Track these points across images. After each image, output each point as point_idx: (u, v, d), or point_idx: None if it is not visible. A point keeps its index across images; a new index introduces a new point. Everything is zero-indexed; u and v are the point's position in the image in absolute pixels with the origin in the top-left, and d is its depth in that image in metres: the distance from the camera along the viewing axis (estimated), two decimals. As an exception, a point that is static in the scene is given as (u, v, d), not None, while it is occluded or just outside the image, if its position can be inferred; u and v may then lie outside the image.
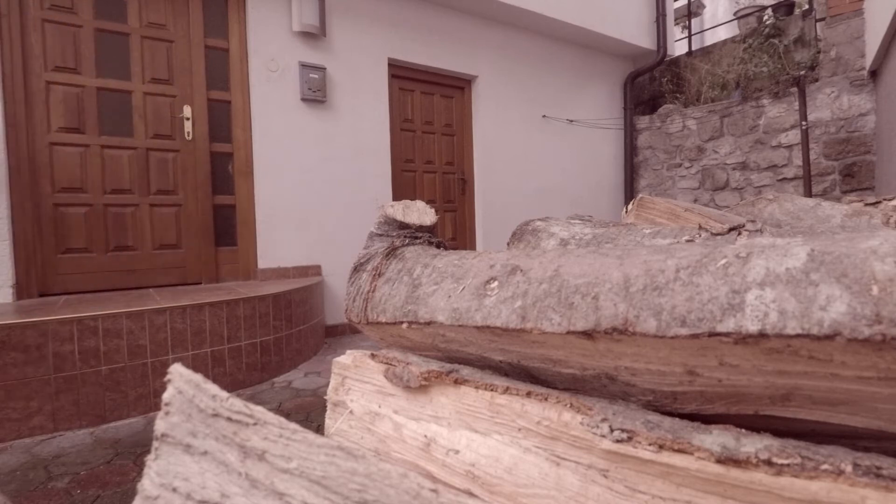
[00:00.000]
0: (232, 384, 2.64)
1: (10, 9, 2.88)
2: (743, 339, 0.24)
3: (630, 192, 6.00)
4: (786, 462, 0.23)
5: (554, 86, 5.40)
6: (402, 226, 0.54)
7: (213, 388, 0.29)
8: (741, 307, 0.24)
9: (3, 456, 1.95)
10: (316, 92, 3.79)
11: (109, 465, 1.86)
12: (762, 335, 0.23)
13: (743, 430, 0.27)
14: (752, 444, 0.25)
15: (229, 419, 0.28)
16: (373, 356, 0.46)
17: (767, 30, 5.29)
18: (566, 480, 0.30)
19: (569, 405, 0.32)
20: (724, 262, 0.27)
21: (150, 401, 2.37)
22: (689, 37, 6.51)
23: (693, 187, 5.46)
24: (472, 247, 4.93)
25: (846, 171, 4.41)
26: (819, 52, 4.69)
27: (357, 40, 4.06)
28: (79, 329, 2.21)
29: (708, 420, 0.29)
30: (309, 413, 2.35)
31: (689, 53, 6.22)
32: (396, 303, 0.45)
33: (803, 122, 4.46)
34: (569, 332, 0.31)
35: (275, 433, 0.27)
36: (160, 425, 0.30)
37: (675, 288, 0.27)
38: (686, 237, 0.45)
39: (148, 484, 0.28)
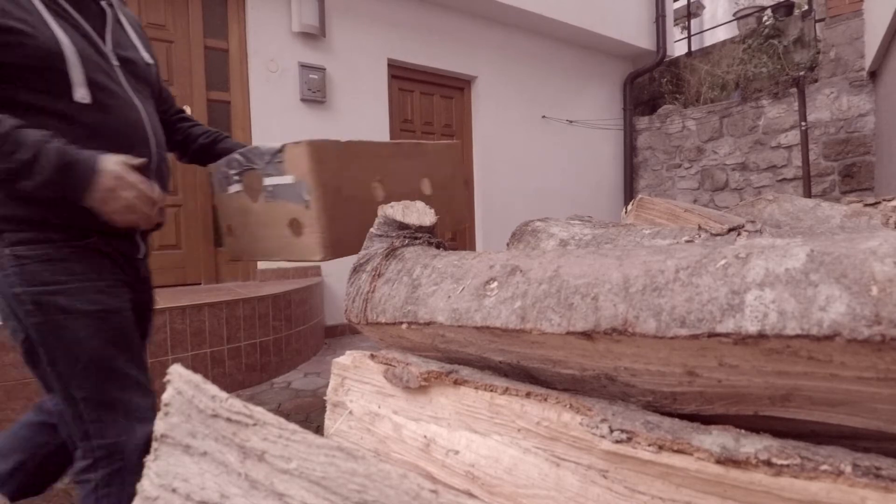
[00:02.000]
0: (231, 385, 2.64)
1: (10, 9, 2.88)
2: (742, 339, 0.24)
3: (630, 193, 6.00)
4: (785, 462, 0.23)
5: (554, 86, 5.40)
6: (402, 226, 0.54)
7: (213, 389, 0.29)
8: (741, 308, 0.24)
9: (2, 456, 1.95)
10: (315, 92, 3.79)
11: (109, 466, 1.85)
12: (762, 336, 0.23)
13: (742, 431, 0.27)
14: (752, 445, 0.25)
15: (229, 420, 0.28)
16: (372, 357, 0.46)
17: (767, 30, 5.30)
18: (566, 481, 0.30)
19: (568, 406, 0.32)
20: (723, 262, 0.27)
21: (150, 401, 2.37)
22: (689, 37, 6.52)
23: (692, 188, 5.46)
24: (472, 247, 4.94)
25: (845, 172, 4.42)
26: (818, 53, 4.70)
27: (357, 41, 4.06)
28: (78, 329, 2.21)
29: (707, 420, 0.29)
30: (308, 414, 2.35)
31: (689, 54, 6.22)
32: (396, 303, 0.45)
33: (803, 123, 4.47)
34: (568, 333, 0.31)
35: (274, 434, 0.28)
36: (160, 426, 0.30)
37: (674, 288, 0.28)
38: (686, 238, 0.45)
39: (147, 485, 0.28)
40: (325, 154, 0.99)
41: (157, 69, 1.13)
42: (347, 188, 1.03)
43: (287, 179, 1.02)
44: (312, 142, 0.98)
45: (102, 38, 0.97)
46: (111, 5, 1.02)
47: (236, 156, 1.16)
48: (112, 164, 0.85)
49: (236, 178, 1.17)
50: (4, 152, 0.78)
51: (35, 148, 0.79)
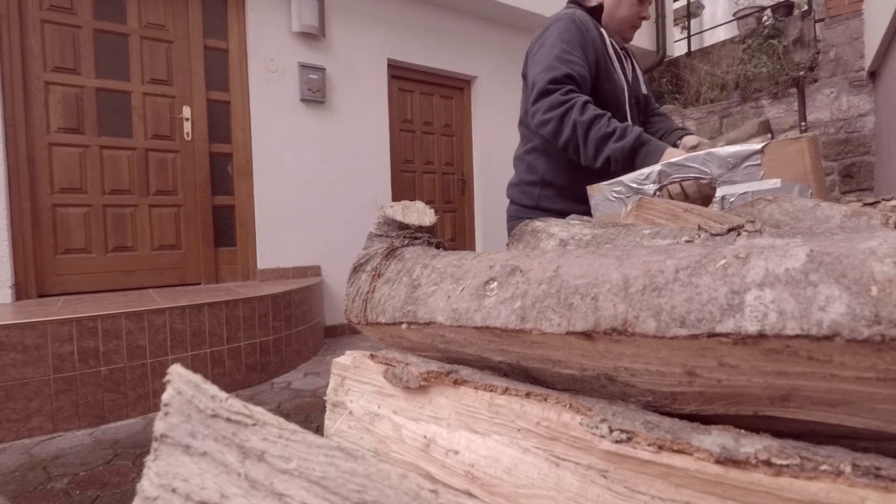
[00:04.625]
0: (231, 385, 2.64)
1: (10, 9, 2.88)
2: (742, 339, 0.24)
3: (629, 193, 5.99)
4: (785, 463, 0.23)
5: (553, 86, 5.39)
6: (402, 226, 0.54)
7: (213, 389, 0.29)
8: (740, 308, 0.24)
9: (2, 457, 1.95)
10: (315, 92, 3.79)
11: (108, 466, 1.86)
12: (761, 336, 0.23)
13: (742, 431, 0.27)
14: (752, 445, 0.25)
15: (228, 420, 0.28)
16: (372, 357, 0.46)
17: (767, 30, 5.30)
18: (565, 481, 0.30)
19: (568, 406, 0.32)
20: (723, 262, 0.27)
21: (150, 401, 2.37)
22: (689, 37, 6.52)
23: (692, 188, 5.45)
24: (472, 247, 4.94)
25: (845, 172, 4.42)
26: (818, 53, 4.70)
27: (356, 41, 4.06)
28: (78, 330, 2.21)
29: (707, 420, 0.29)
30: (308, 414, 2.35)
31: (689, 54, 6.22)
32: (396, 303, 0.45)
33: (802, 123, 4.47)
34: (568, 333, 0.31)
35: (274, 434, 0.27)
36: (159, 426, 0.30)
37: (674, 288, 0.27)
38: (685, 238, 0.45)
39: (147, 485, 0.28)
40: (818, 149, 0.85)
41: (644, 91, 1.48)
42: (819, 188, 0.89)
43: (767, 184, 0.86)
44: (812, 137, 0.85)
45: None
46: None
47: (661, 167, 0.97)
48: (670, 149, 1.10)
49: (628, 195, 1.01)
50: (602, 121, 1.12)
51: (624, 126, 1.12)
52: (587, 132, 1.13)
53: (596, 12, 1.35)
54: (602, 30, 1.33)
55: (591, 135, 1.13)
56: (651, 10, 5.74)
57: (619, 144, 1.11)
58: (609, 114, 1.15)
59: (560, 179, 1.35)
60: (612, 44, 1.35)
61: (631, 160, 1.11)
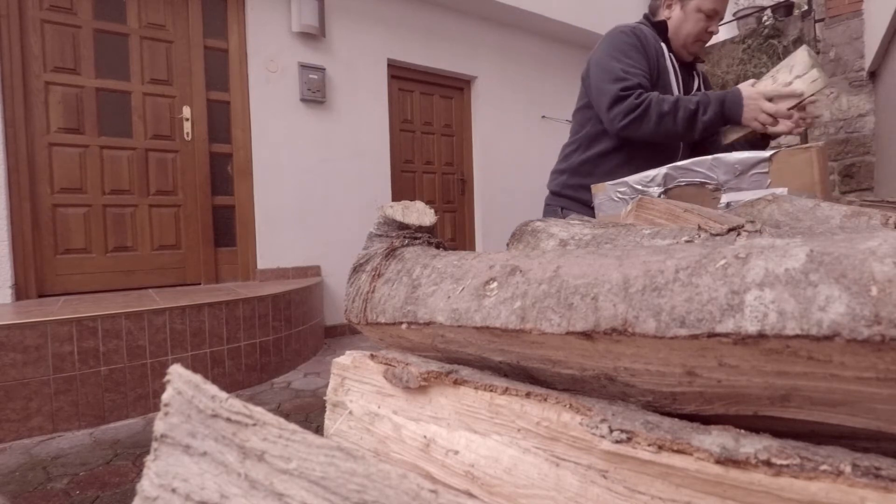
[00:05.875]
0: (231, 385, 2.64)
1: (10, 9, 2.88)
2: (742, 339, 0.24)
3: (629, 193, 5.98)
4: (785, 463, 0.23)
5: (553, 86, 5.40)
6: (402, 226, 0.54)
7: (213, 389, 0.29)
8: (740, 308, 0.24)
9: (2, 457, 1.95)
10: (315, 92, 3.79)
11: (108, 466, 1.86)
12: (761, 336, 0.23)
13: (742, 431, 0.27)
14: (752, 445, 0.25)
15: (228, 420, 0.28)
16: (372, 357, 0.46)
17: (766, 30, 5.30)
18: (565, 481, 0.30)
19: (568, 406, 0.32)
20: (723, 262, 0.27)
21: (150, 401, 2.37)
22: (689, 37, 6.50)
23: (692, 188, 5.45)
24: (472, 247, 4.94)
25: (845, 172, 4.42)
26: (818, 53, 4.70)
27: (356, 41, 4.06)
28: (78, 330, 2.21)
29: (707, 420, 0.29)
30: (308, 414, 2.35)
31: (689, 54, 6.20)
32: (396, 303, 0.45)
33: (802, 123, 4.45)
34: (568, 333, 0.31)
35: (274, 434, 0.27)
36: (159, 426, 0.30)
37: (674, 289, 0.27)
38: (685, 238, 0.45)
39: (147, 485, 0.28)
40: (826, 159, 0.84)
41: None
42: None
43: (773, 192, 0.84)
44: (821, 147, 0.84)
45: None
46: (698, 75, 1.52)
47: (667, 170, 0.96)
48: (744, 86, 1.22)
49: (632, 196, 1.00)
50: (683, 103, 1.24)
51: (699, 97, 1.24)
52: (675, 118, 1.26)
53: (661, 26, 1.43)
54: (662, 45, 1.41)
55: (679, 118, 1.25)
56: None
57: (708, 115, 1.24)
58: (681, 96, 1.29)
59: (586, 168, 1.49)
60: (671, 59, 1.42)
61: (722, 120, 1.24)
